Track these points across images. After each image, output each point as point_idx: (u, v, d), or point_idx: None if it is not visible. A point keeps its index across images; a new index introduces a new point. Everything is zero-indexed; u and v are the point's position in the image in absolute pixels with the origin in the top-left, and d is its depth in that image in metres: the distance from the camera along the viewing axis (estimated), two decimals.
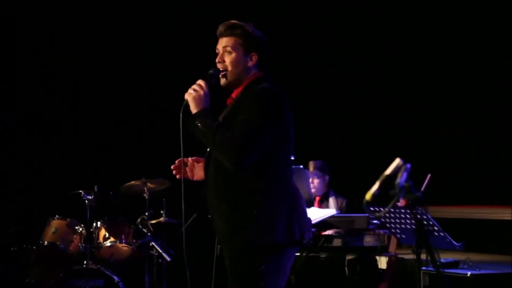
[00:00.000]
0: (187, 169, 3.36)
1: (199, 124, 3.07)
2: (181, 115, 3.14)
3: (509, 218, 4.97)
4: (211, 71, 3.21)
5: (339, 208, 5.89)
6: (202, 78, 3.18)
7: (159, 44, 7.43)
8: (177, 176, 3.34)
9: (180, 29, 7.40)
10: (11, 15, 7.20)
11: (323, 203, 6.10)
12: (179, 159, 3.31)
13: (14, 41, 7.28)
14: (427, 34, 6.75)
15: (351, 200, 6.12)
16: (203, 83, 3.16)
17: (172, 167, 3.36)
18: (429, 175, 4.55)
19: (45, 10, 7.18)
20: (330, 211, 5.19)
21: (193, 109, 3.11)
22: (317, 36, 7.32)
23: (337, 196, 6.13)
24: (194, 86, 3.15)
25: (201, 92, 3.12)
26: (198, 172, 3.34)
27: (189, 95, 3.13)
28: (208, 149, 3.22)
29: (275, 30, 5.38)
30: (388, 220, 4.15)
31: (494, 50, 6.29)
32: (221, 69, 3.20)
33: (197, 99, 3.10)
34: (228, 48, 3.20)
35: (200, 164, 3.33)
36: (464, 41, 6.45)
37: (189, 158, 3.36)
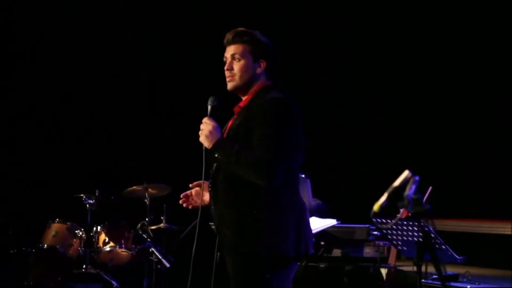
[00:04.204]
0: (195, 198, 3.35)
1: (219, 157, 3.07)
2: (203, 157, 3.14)
3: (509, 233, 4.99)
4: (210, 103, 3.22)
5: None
6: (207, 116, 3.18)
7: (163, 47, 7.44)
8: (189, 207, 3.35)
9: (182, 30, 7.42)
10: (10, 15, 7.23)
11: None
12: (183, 193, 3.34)
13: (16, 39, 7.30)
14: (428, 36, 6.74)
15: (355, 209, 6.10)
16: (208, 119, 3.15)
17: (180, 201, 3.37)
18: (430, 188, 4.55)
19: (45, 10, 7.20)
20: (330, 221, 5.16)
21: (208, 146, 3.10)
22: (317, 38, 7.35)
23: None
24: (202, 126, 3.14)
25: (210, 127, 3.11)
26: (207, 196, 3.32)
27: (201, 136, 3.13)
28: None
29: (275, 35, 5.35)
30: (390, 232, 4.16)
31: (495, 58, 6.33)
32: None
33: (209, 136, 3.09)
34: (237, 56, 3.19)
35: (204, 186, 3.32)
36: (467, 46, 6.46)
37: (191, 190, 3.35)
